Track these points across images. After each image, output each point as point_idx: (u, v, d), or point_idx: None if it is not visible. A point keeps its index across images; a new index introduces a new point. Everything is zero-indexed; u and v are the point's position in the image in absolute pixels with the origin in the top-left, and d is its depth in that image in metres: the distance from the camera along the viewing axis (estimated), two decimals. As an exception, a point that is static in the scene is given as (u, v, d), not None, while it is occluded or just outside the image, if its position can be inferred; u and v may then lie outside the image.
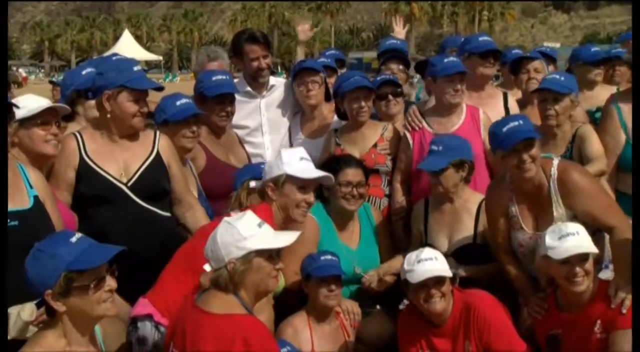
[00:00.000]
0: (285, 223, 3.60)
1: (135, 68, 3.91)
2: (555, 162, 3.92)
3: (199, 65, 5.43)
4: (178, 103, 4.29)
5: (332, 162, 4.44)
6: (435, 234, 4.34)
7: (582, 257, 3.58)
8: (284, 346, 3.65)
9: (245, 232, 2.94)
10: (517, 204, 3.99)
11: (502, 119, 4.13)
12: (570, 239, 3.57)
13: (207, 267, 2.99)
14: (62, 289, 2.56)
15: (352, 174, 4.29)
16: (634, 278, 3.25)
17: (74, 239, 2.66)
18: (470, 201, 4.35)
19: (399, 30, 6.29)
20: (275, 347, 3.07)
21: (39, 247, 2.66)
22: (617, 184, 4.37)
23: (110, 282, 2.65)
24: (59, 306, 2.58)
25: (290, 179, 3.53)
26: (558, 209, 3.87)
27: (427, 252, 3.71)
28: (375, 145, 4.77)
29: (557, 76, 4.57)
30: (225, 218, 3.06)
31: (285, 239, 3.05)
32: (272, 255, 2.98)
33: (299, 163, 3.59)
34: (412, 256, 3.68)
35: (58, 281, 2.56)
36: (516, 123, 3.85)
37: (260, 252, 2.92)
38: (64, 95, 4.34)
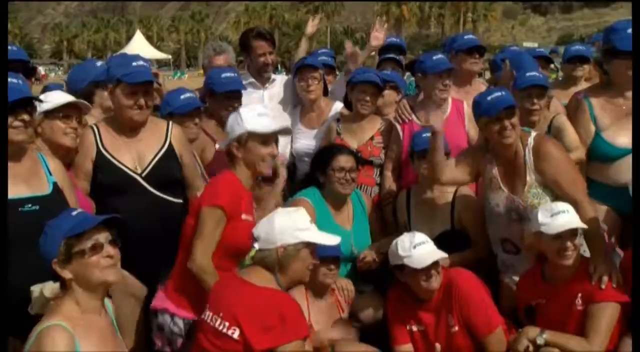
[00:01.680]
0: (254, 182, 3.64)
1: (135, 63, 3.79)
2: (533, 134, 3.98)
3: (206, 59, 5.50)
4: (182, 97, 4.30)
5: (326, 150, 4.46)
6: (417, 222, 4.35)
7: (573, 233, 3.61)
8: None
9: (302, 224, 3.10)
10: (497, 167, 4.01)
11: (485, 89, 4.15)
12: (561, 216, 3.60)
13: (256, 246, 3.09)
14: (64, 256, 2.62)
15: (345, 161, 4.29)
16: (633, 278, 3.15)
17: (74, 213, 2.73)
18: (447, 190, 4.37)
19: (377, 36, 5.60)
20: (306, 327, 3.13)
21: (48, 224, 2.73)
22: (587, 172, 4.35)
23: (110, 250, 2.67)
24: (65, 273, 2.63)
25: (252, 135, 3.47)
26: (531, 175, 3.90)
27: (418, 236, 3.72)
28: (372, 138, 4.78)
29: (537, 73, 4.56)
30: (282, 208, 3.27)
31: (331, 239, 3.20)
32: (315, 250, 3.12)
33: (258, 119, 3.51)
34: (404, 242, 3.69)
35: (60, 248, 2.61)
36: (499, 93, 3.90)
37: (308, 245, 3.07)
38: (71, 91, 4.23)
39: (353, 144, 4.72)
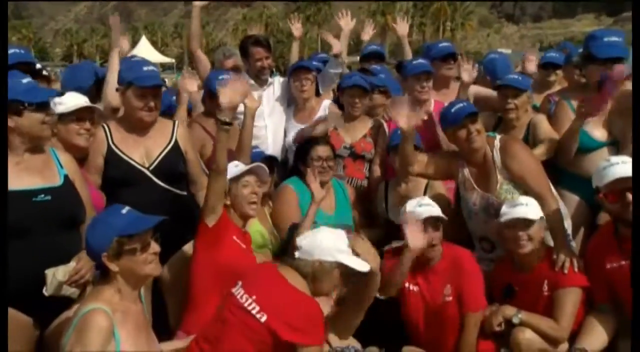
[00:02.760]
0: (243, 220, 3.64)
1: (145, 68, 3.80)
2: (498, 137, 4.00)
3: (217, 63, 5.50)
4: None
5: (306, 143, 4.45)
6: (393, 211, 4.35)
7: (525, 224, 3.62)
8: None
9: (342, 246, 3.09)
10: (468, 169, 4.02)
11: (449, 103, 4.15)
12: (519, 208, 3.65)
13: (296, 254, 3.09)
14: (115, 252, 2.63)
15: (322, 150, 4.28)
16: (633, 277, 3.03)
17: (124, 211, 2.72)
18: (420, 181, 4.39)
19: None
20: (322, 337, 3.12)
21: (96, 218, 2.77)
22: (561, 163, 4.36)
23: (154, 247, 2.71)
24: (113, 267, 2.63)
25: (231, 182, 3.55)
26: (500, 173, 3.91)
27: (427, 199, 3.81)
28: (364, 136, 4.78)
29: (516, 76, 4.59)
30: (328, 228, 3.23)
31: (362, 265, 3.16)
32: (346, 273, 3.12)
33: (235, 169, 3.60)
34: (412, 201, 3.79)
35: (111, 245, 2.61)
36: (461, 104, 3.96)
37: (341, 266, 3.07)
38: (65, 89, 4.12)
39: (347, 139, 4.75)
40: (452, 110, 3.93)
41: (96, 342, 2.48)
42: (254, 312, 2.95)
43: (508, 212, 3.67)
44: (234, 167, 3.62)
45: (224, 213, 3.52)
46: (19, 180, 3.03)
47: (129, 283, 2.69)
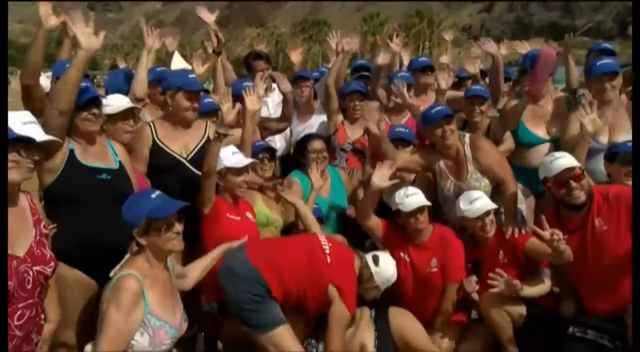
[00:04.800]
0: (235, 201, 3.64)
1: (190, 75, 3.83)
2: (467, 135, 4.03)
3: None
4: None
5: (302, 139, 4.45)
6: (386, 193, 4.22)
7: (487, 213, 3.65)
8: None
9: (392, 278, 3.53)
10: (444, 162, 4.03)
11: (429, 106, 4.17)
12: (477, 202, 3.65)
13: (370, 261, 3.47)
14: (144, 229, 2.61)
15: (317, 144, 4.29)
16: (633, 276, 2.90)
17: (154, 195, 2.69)
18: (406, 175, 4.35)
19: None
20: (352, 309, 3.33)
21: (131, 199, 2.72)
22: (511, 159, 4.36)
23: (178, 227, 2.68)
24: (142, 241, 2.63)
25: (228, 170, 3.55)
26: (471, 165, 3.93)
27: (411, 189, 3.75)
28: (364, 134, 4.71)
29: (481, 87, 4.62)
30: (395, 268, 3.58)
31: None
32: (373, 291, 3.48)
33: (232, 157, 3.58)
34: (400, 193, 3.73)
35: (141, 223, 2.60)
36: (439, 108, 3.96)
37: (376, 289, 3.47)
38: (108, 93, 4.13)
39: (352, 136, 4.74)
40: (432, 112, 3.94)
41: (127, 301, 2.48)
42: (325, 250, 3.27)
43: (470, 209, 3.65)
44: (231, 155, 3.58)
45: (216, 198, 3.52)
46: (87, 160, 3.09)
47: (156, 255, 2.67)
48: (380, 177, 3.67)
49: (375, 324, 3.50)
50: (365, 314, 3.55)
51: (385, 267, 3.43)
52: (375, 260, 3.42)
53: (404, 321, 3.53)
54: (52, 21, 3.20)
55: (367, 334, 3.47)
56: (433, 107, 4.01)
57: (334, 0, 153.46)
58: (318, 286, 3.21)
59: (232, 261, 3.19)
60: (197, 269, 3.13)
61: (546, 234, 3.29)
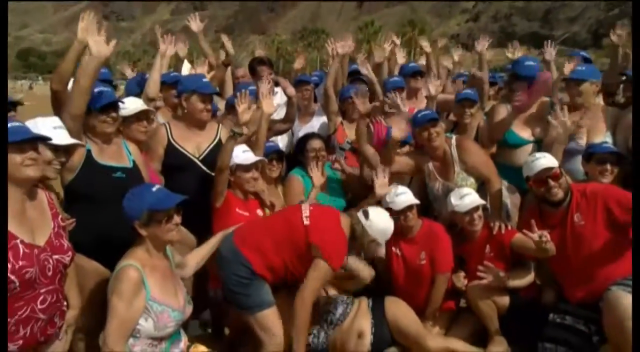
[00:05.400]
0: (245, 197, 3.64)
1: (204, 79, 3.86)
2: (454, 137, 4.05)
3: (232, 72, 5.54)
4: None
5: (302, 139, 4.46)
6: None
7: (476, 208, 3.68)
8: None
9: (387, 229, 3.30)
10: (432, 164, 4.06)
11: (418, 110, 4.19)
12: (467, 198, 3.68)
13: (360, 214, 3.26)
14: (145, 221, 2.63)
15: (315, 143, 4.30)
16: (633, 275, 2.86)
17: (154, 189, 2.71)
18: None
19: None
20: (338, 266, 3.18)
21: (132, 192, 2.72)
22: (498, 157, 4.40)
23: (176, 219, 2.69)
24: (143, 232, 2.63)
25: (238, 167, 3.57)
26: (457, 165, 3.95)
27: (400, 188, 3.77)
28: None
29: (470, 91, 4.63)
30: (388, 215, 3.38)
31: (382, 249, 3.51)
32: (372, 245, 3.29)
33: (242, 154, 3.61)
34: (391, 193, 3.75)
35: (142, 215, 2.61)
36: (426, 112, 3.99)
37: (374, 242, 3.27)
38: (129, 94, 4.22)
39: (350, 135, 4.71)
40: (419, 115, 3.97)
41: (128, 290, 2.50)
42: (303, 216, 3.11)
43: (460, 204, 3.67)
44: (242, 153, 3.61)
45: (228, 193, 3.55)
46: (103, 160, 3.11)
47: (155, 245, 2.67)
48: (381, 185, 3.72)
49: (373, 312, 3.52)
50: (364, 304, 3.57)
51: (376, 219, 3.26)
52: (365, 214, 3.26)
53: (398, 309, 3.55)
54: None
55: (365, 323, 3.48)
56: (420, 112, 4.04)
57: (331, 10, 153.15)
58: (303, 253, 3.08)
59: (222, 246, 3.17)
60: (195, 258, 3.11)
61: (535, 236, 3.33)
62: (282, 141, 5.03)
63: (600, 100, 4.58)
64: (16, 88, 46.29)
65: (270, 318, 3.06)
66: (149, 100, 3.99)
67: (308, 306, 3.04)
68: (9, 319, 2.26)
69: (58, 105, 3.22)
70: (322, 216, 3.20)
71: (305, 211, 3.18)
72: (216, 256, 3.16)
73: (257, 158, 3.68)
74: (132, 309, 2.52)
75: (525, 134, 4.34)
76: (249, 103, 3.55)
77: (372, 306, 3.56)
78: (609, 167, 3.71)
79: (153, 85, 4.13)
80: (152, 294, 2.57)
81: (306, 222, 3.10)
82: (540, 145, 4.22)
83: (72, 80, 3.12)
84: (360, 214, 3.26)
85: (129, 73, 6.01)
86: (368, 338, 3.44)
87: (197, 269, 3.11)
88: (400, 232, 3.76)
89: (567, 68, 4.45)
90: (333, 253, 3.07)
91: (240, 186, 3.61)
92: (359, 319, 3.49)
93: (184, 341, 2.81)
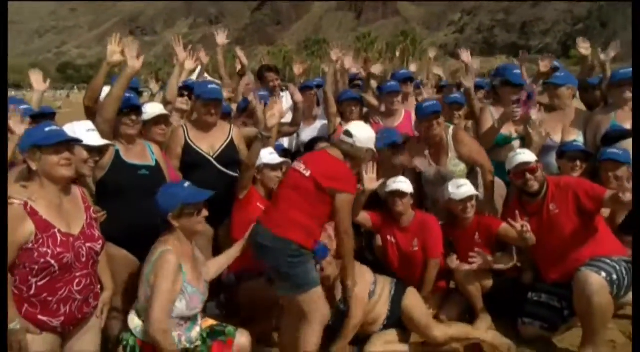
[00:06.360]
0: (265, 194, 3.61)
1: (210, 86, 3.80)
2: (451, 127, 4.04)
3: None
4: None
5: (311, 141, 4.42)
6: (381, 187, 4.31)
7: (470, 198, 3.68)
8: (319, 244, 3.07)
9: (372, 134, 3.10)
10: (428, 150, 4.04)
11: (423, 100, 4.17)
12: (463, 188, 3.67)
13: (342, 136, 3.04)
14: (177, 214, 2.62)
15: (323, 146, 4.16)
16: (634, 274, 2.89)
17: (186, 185, 2.71)
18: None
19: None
20: (354, 188, 3.01)
21: (165, 188, 2.72)
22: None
23: (204, 212, 2.71)
24: (175, 223, 2.63)
25: (265, 166, 3.57)
26: (451, 152, 3.95)
27: (400, 178, 3.77)
28: None
29: (457, 95, 4.63)
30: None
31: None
32: (368, 154, 3.09)
33: (269, 156, 3.61)
34: (390, 180, 3.72)
35: (176, 208, 2.61)
36: (431, 103, 3.96)
37: (369, 151, 3.06)
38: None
39: None
40: (424, 106, 3.93)
41: (172, 272, 2.50)
42: (302, 170, 2.92)
43: (457, 192, 3.66)
44: (269, 154, 3.61)
45: (252, 187, 3.53)
46: (129, 159, 3.14)
47: (186, 234, 2.67)
48: (369, 180, 3.48)
49: (392, 303, 3.44)
50: (386, 292, 3.45)
51: (357, 132, 3.02)
52: (348, 134, 3.03)
53: (412, 300, 3.47)
54: (116, 58, 3.13)
55: (382, 312, 3.41)
56: (425, 102, 4.01)
57: (332, 22, 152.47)
58: (323, 199, 2.88)
59: (256, 237, 2.92)
60: (215, 266, 2.99)
61: (517, 226, 3.35)
62: (287, 142, 5.04)
63: (576, 102, 4.57)
64: (56, 96, 47.51)
65: (318, 295, 2.91)
66: (166, 103, 4.00)
67: (351, 234, 2.97)
68: (50, 298, 2.31)
69: (90, 115, 3.28)
70: (316, 160, 3.01)
71: (300, 166, 2.97)
72: (255, 251, 2.96)
73: (283, 159, 3.68)
74: (174, 289, 2.51)
75: (509, 131, 4.33)
76: (278, 110, 3.50)
77: (394, 296, 3.44)
78: (578, 163, 3.86)
79: (171, 90, 4.15)
80: (187, 277, 2.58)
81: (307, 173, 2.90)
82: (524, 141, 4.22)
83: (104, 90, 3.18)
84: (343, 137, 3.04)
85: (154, 86, 6.05)
86: (379, 326, 3.42)
87: (214, 277, 3.00)
88: (395, 220, 3.76)
89: (542, 65, 4.61)
90: (345, 183, 2.91)
91: (265, 183, 3.61)
92: (378, 308, 3.39)
93: (200, 322, 2.81)
